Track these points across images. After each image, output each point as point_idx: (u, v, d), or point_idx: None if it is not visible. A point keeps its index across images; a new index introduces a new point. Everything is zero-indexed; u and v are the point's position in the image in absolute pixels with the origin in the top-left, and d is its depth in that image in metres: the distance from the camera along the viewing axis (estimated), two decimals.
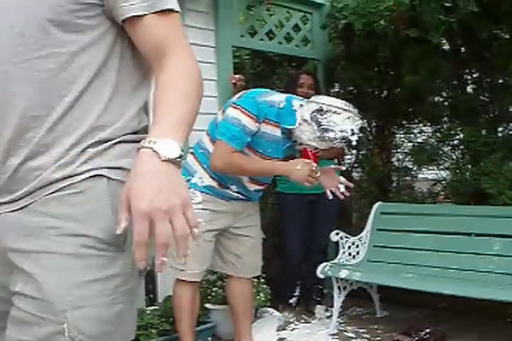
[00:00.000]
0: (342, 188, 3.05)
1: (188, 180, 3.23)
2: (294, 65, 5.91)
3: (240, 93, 3.14)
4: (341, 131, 2.86)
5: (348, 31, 4.81)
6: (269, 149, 3.08)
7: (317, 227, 4.40)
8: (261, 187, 3.30)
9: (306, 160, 2.98)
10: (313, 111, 2.91)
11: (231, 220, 3.32)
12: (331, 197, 3.05)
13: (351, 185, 3.13)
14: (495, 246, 3.72)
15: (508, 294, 3.25)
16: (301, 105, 3.00)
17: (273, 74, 5.91)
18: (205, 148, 3.19)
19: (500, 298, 3.26)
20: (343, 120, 2.87)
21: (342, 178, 3.09)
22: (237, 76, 4.33)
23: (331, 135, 2.88)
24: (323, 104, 2.91)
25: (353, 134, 2.89)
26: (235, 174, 3.11)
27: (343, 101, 2.95)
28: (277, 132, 3.04)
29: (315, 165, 2.96)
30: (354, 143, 2.93)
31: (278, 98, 3.06)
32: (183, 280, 3.28)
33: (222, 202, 3.25)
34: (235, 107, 3.01)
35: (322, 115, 2.87)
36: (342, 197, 3.07)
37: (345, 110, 2.90)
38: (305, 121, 2.93)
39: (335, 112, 2.87)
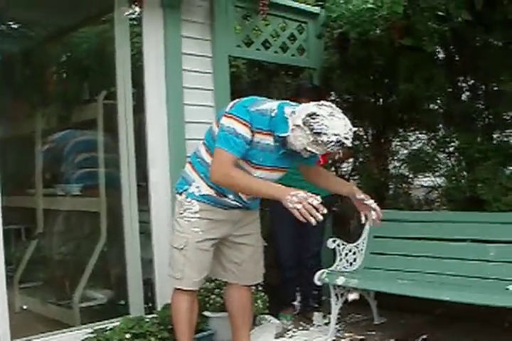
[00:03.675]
0: (374, 215, 3.12)
1: (186, 190, 3.26)
2: (291, 74, 5.95)
3: (233, 102, 3.13)
4: (335, 135, 2.83)
5: (343, 40, 4.87)
6: (261, 158, 3.06)
7: (308, 234, 4.43)
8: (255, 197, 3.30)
9: (309, 194, 2.77)
10: (306, 116, 2.87)
11: (230, 229, 3.32)
12: (364, 220, 3.18)
13: (380, 214, 3.14)
14: (490, 252, 3.75)
15: (503, 299, 3.27)
16: (293, 112, 2.97)
17: (270, 82, 5.96)
18: (201, 158, 3.20)
19: (496, 304, 3.28)
20: (335, 124, 2.84)
21: (374, 205, 3.13)
22: None
23: (325, 138, 2.84)
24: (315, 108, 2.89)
25: (346, 138, 2.86)
26: (229, 187, 3.10)
27: (333, 106, 2.93)
28: (270, 140, 3.02)
29: (315, 198, 2.74)
30: (349, 145, 2.90)
31: (270, 106, 3.04)
32: (181, 289, 3.29)
33: (221, 210, 3.25)
34: (228, 116, 3.01)
35: (314, 119, 2.84)
36: (373, 224, 3.21)
37: (336, 115, 2.88)
38: (297, 126, 2.90)
39: (327, 116, 2.85)
